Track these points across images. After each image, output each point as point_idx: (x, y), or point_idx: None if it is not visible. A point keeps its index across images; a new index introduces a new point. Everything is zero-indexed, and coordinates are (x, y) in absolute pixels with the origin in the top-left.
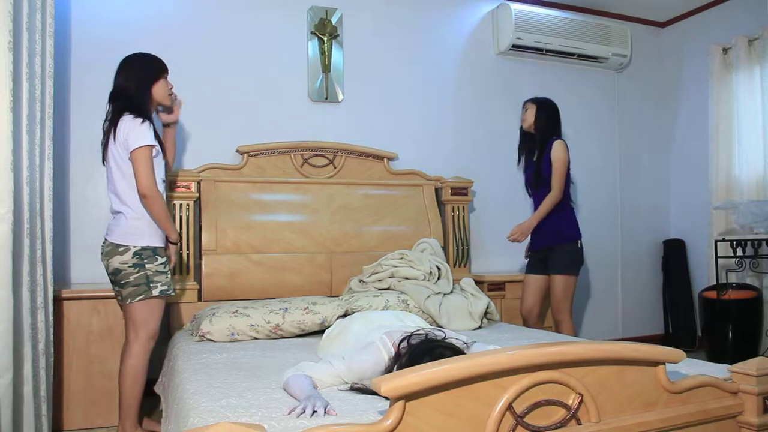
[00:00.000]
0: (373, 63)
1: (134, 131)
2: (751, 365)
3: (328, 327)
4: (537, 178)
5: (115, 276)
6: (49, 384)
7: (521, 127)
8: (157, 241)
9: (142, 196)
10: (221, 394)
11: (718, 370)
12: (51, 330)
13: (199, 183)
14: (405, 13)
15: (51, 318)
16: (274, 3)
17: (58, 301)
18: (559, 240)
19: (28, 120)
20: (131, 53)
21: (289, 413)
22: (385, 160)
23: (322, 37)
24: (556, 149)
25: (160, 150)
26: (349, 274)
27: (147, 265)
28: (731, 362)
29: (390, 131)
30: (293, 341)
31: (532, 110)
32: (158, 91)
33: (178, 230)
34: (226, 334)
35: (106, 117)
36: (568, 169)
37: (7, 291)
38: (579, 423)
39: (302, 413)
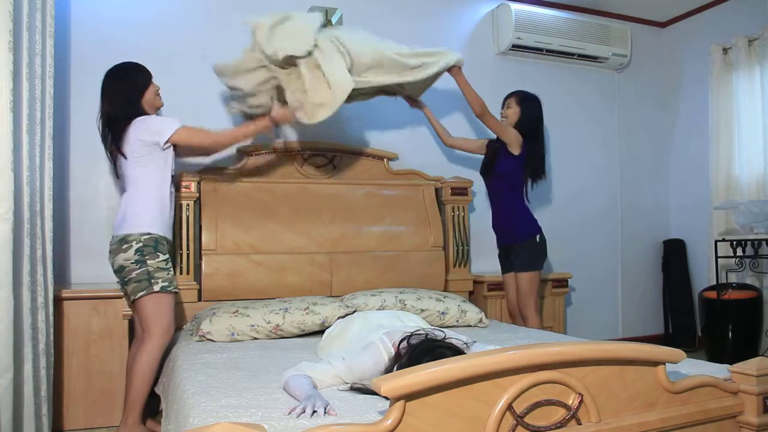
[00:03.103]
0: None
1: (157, 124)
2: (751, 365)
3: (328, 327)
4: (488, 168)
5: (119, 273)
6: (50, 384)
7: None
8: (157, 229)
9: (212, 148)
10: (221, 394)
11: (718, 370)
12: (51, 330)
13: (199, 183)
14: (405, 13)
15: (51, 318)
16: (274, 3)
17: (58, 301)
18: (517, 238)
19: (28, 120)
20: (113, 67)
21: (289, 413)
22: (385, 160)
23: None
24: (512, 131)
25: (171, 145)
26: (349, 274)
27: (148, 261)
28: (731, 362)
29: (390, 131)
30: (293, 341)
31: (515, 109)
32: (148, 98)
33: (179, 230)
34: (226, 334)
35: (104, 136)
36: (520, 167)
37: (8, 291)
38: (579, 423)
39: (302, 413)
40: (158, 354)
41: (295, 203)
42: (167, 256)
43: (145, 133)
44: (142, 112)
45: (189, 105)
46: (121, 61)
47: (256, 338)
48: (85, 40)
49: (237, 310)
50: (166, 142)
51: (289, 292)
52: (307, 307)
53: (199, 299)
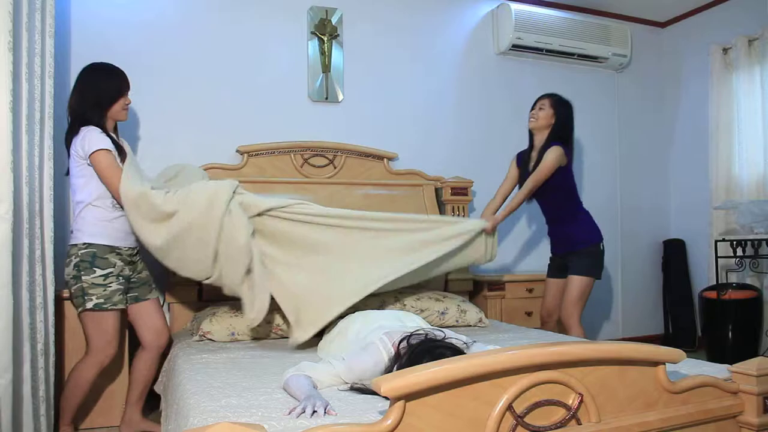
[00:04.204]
0: (373, 63)
1: (88, 138)
2: (751, 365)
3: (328, 327)
4: (542, 187)
5: (67, 287)
6: (49, 384)
7: (529, 130)
8: (99, 239)
9: (114, 194)
10: (221, 394)
11: (718, 370)
12: (51, 330)
13: None
14: (405, 13)
15: (52, 318)
16: (274, 3)
17: (58, 301)
18: (578, 245)
19: (27, 120)
20: (96, 64)
21: (289, 413)
22: (385, 160)
23: (322, 37)
24: (549, 154)
25: (117, 157)
26: None
27: (83, 277)
28: (731, 362)
29: (390, 131)
30: None
31: (548, 111)
32: (116, 108)
33: None
34: (226, 334)
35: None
36: (571, 173)
37: (7, 291)
38: (579, 423)
39: (302, 413)
40: (89, 371)
41: None
42: (107, 270)
43: (79, 145)
44: (103, 121)
45: (189, 106)
46: (106, 62)
47: (256, 338)
48: (85, 40)
49: (237, 310)
50: (89, 158)
51: None
52: None
53: (199, 299)
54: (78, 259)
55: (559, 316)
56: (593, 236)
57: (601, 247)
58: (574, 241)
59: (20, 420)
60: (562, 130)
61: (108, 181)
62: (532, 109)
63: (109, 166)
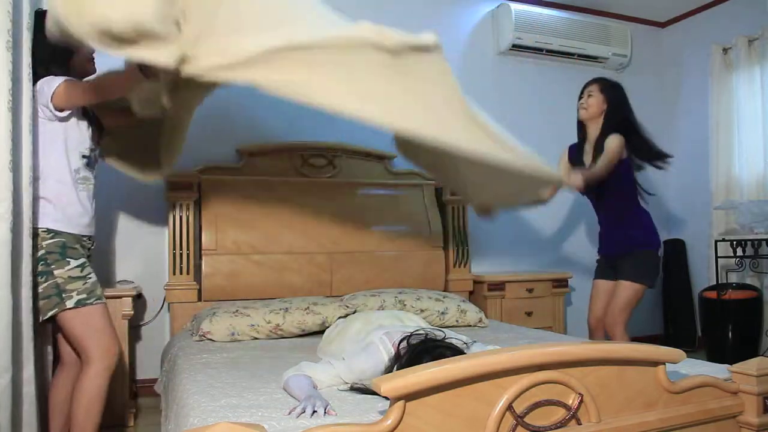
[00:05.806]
0: None
1: (46, 81)
2: (751, 365)
3: (328, 327)
4: (603, 184)
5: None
6: (50, 384)
7: (578, 121)
8: (62, 226)
9: (102, 96)
10: (221, 394)
11: (718, 370)
12: (50, 330)
13: (198, 183)
14: (405, 13)
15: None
16: None
17: None
18: (634, 247)
19: (30, 120)
20: (36, 16)
21: (289, 413)
22: (385, 160)
23: None
24: (612, 140)
25: (81, 112)
26: (349, 274)
27: (55, 271)
28: (731, 362)
29: (390, 131)
30: (293, 341)
31: (598, 97)
32: (78, 61)
33: (179, 230)
34: (226, 334)
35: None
36: (630, 166)
37: (7, 290)
38: (579, 423)
39: (302, 413)
40: (105, 381)
41: (295, 203)
42: (81, 261)
43: (40, 97)
44: (69, 75)
45: None
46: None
47: (256, 338)
48: None
49: (237, 310)
50: (54, 107)
51: (289, 292)
52: (308, 307)
53: (199, 299)
54: (43, 251)
55: (605, 322)
56: (654, 240)
57: (659, 253)
58: (633, 242)
59: (20, 420)
60: (616, 115)
61: (87, 99)
62: (580, 98)
63: (74, 88)
